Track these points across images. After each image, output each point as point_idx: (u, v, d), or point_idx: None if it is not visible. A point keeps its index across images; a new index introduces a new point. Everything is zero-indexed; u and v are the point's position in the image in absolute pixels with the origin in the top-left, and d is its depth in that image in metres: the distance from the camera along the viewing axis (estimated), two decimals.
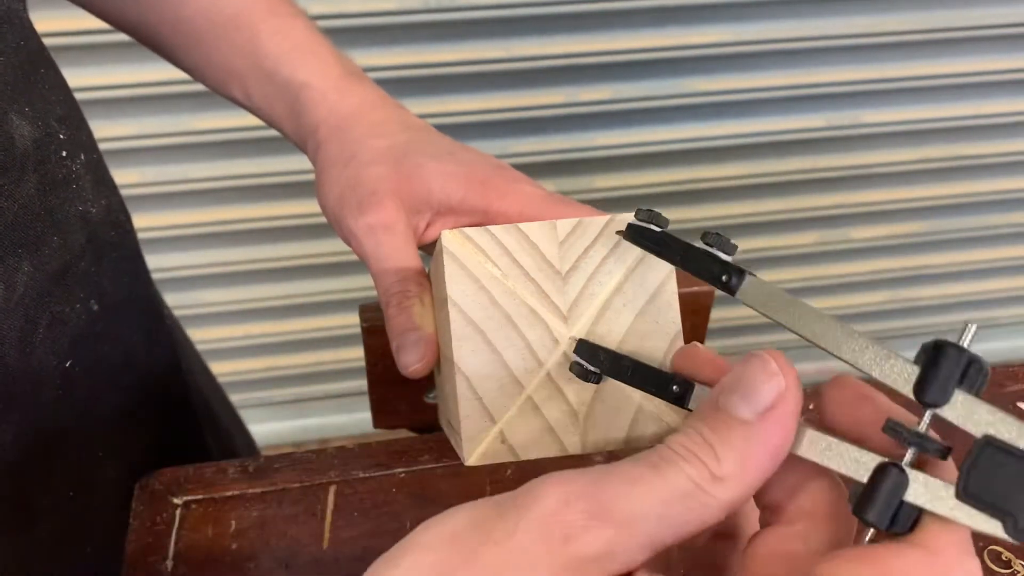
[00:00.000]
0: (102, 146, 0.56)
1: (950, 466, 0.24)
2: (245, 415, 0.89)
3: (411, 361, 0.38)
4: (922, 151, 1.48)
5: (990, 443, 0.22)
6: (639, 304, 0.34)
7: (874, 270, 1.61)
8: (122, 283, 0.56)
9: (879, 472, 0.23)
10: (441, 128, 0.47)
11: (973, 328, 0.24)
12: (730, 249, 0.30)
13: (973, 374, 0.23)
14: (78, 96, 0.53)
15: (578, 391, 0.34)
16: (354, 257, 0.43)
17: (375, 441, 0.58)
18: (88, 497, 0.55)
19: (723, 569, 0.29)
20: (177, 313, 0.73)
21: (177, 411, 0.67)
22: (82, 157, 0.50)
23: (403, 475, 0.55)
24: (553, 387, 0.33)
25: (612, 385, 0.33)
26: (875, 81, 1.38)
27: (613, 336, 0.34)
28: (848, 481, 0.25)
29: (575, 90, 1.32)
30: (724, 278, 0.29)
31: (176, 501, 0.54)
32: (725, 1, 1.28)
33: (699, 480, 0.22)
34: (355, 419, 1.61)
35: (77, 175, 0.50)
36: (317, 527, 0.52)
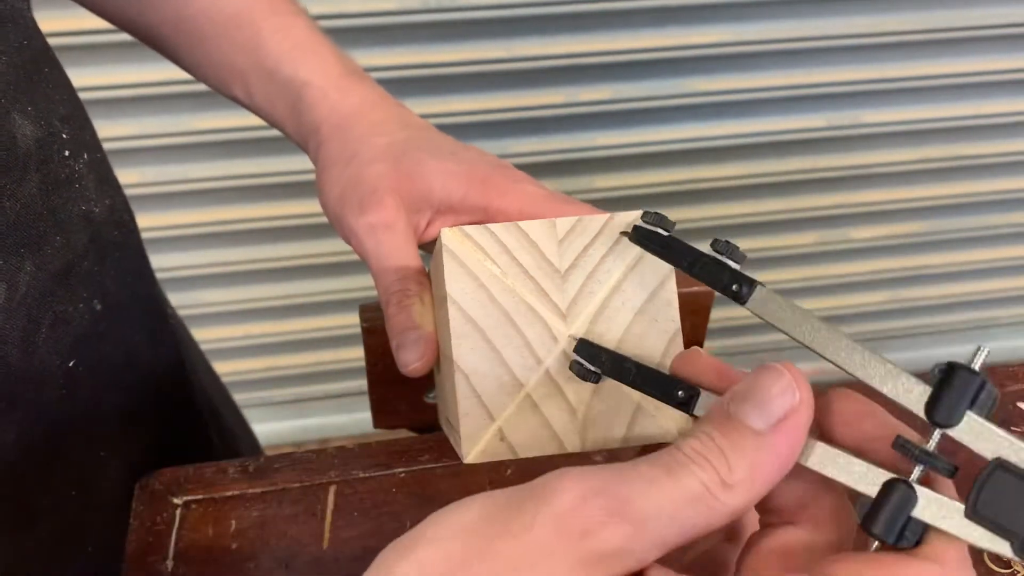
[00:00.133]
0: (103, 146, 0.56)
1: (950, 484, 0.25)
2: (245, 415, 0.89)
3: (411, 360, 0.38)
4: (922, 151, 1.48)
5: (1001, 465, 0.23)
6: (638, 303, 0.34)
7: (874, 270, 1.61)
8: (125, 283, 0.56)
9: (888, 487, 0.24)
10: (441, 128, 0.47)
11: (985, 351, 0.25)
12: (739, 257, 0.30)
13: (984, 398, 0.24)
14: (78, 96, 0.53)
15: (577, 390, 0.34)
16: (354, 257, 0.43)
17: (375, 441, 0.58)
18: (89, 497, 0.55)
19: (723, 567, 0.29)
20: (177, 313, 0.73)
21: (180, 411, 0.67)
22: (85, 157, 0.50)
23: (403, 475, 0.55)
24: (552, 385, 0.34)
25: (611, 384, 0.33)
26: (875, 81, 1.38)
27: (612, 334, 0.34)
28: (852, 494, 0.25)
29: (575, 90, 1.32)
30: (735, 287, 0.29)
31: (176, 501, 0.54)
32: (725, 1, 1.28)
33: (710, 485, 0.23)
34: (355, 419, 1.61)
35: (80, 175, 0.50)
36: (317, 527, 0.52)
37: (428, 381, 0.47)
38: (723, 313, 1.57)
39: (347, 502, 0.53)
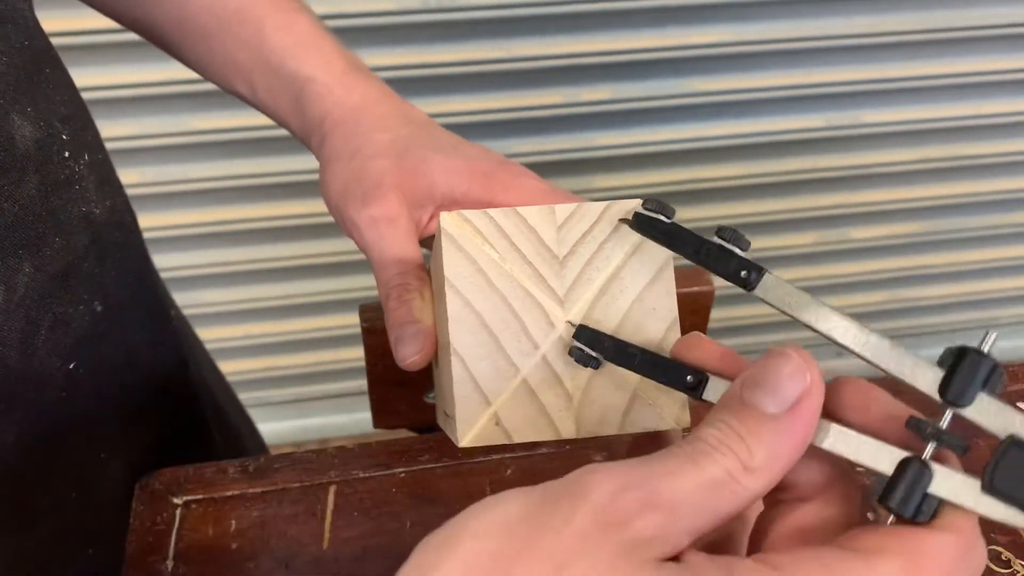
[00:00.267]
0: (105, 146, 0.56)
1: (958, 463, 0.25)
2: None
3: (409, 353, 0.38)
4: (922, 151, 1.48)
5: (1016, 443, 0.24)
6: (636, 290, 0.34)
7: (874, 270, 1.61)
8: (127, 284, 0.56)
9: (904, 465, 0.25)
10: None
11: (994, 335, 0.26)
12: (744, 245, 0.30)
13: (995, 379, 0.25)
14: None
15: (574, 375, 0.34)
16: (354, 257, 0.43)
17: (375, 441, 0.58)
18: (89, 497, 0.55)
19: (731, 540, 0.29)
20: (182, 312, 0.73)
21: (182, 411, 0.67)
22: (86, 157, 0.50)
23: (403, 475, 0.55)
24: (548, 371, 0.34)
25: (608, 370, 0.33)
26: (875, 81, 1.38)
27: (609, 321, 0.34)
28: (865, 473, 0.26)
29: (575, 90, 1.32)
30: (743, 274, 0.30)
31: (176, 501, 0.54)
32: (725, 1, 1.28)
33: (733, 471, 0.24)
34: (355, 419, 1.61)
35: (80, 176, 0.50)
36: (317, 527, 0.52)
37: (428, 381, 0.47)
38: (723, 313, 1.57)
39: (347, 502, 0.53)
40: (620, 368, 0.33)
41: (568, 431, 0.34)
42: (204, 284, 1.42)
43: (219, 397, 0.74)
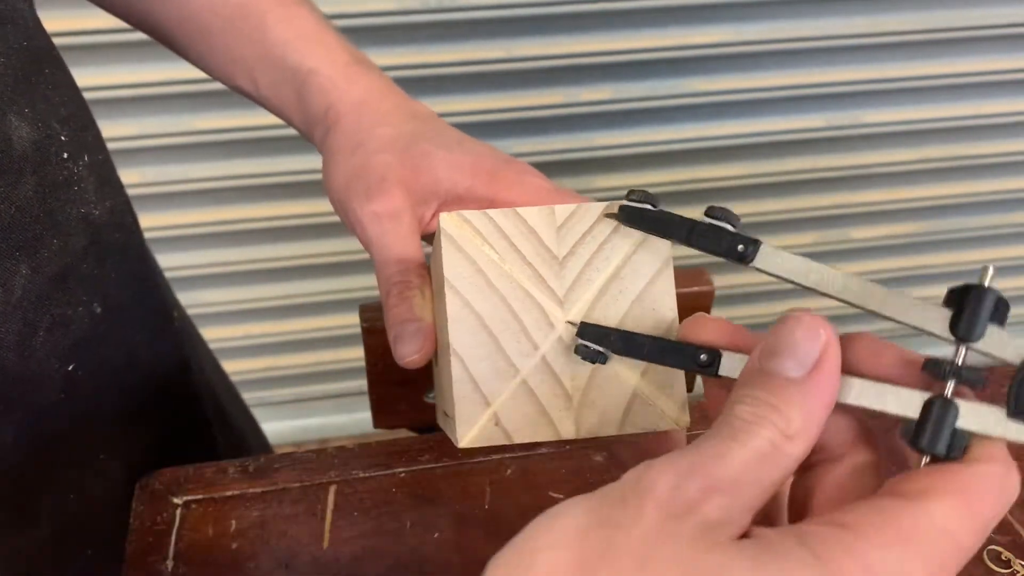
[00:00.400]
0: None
1: (974, 397, 0.26)
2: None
3: (409, 352, 0.38)
4: (922, 151, 1.48)
5: None
6: (636, 290, 0.34)
7: (874, 270, 1.61)
8: (127, 285, 0.56)
9: (930, 405, 0.26)
10: None
11: (992, 269, 0.26)
12: (735, 220, 0.31)
13: (1002, 310, 0.26)
14: None
15: (573, 375, 0.34)
16: (354, 257, 0.43)
17: (375, 441, 0.58)
18: (89, 498, 0.55)
19: (773, 514, 0.30)
20: (186, 312, 0.73)
21: (183, 411, 0.67)
22: (86, 158, 0.50)
23: (403, 475, 0.55)
24: (548, 371, 0.34)
25: (608, 370, 0.33)
26: (875, 81, 1.38)
27: (609, 322, 0.34)
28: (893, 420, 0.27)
29: (575, 90, 1.32)
30: (740, 248, 0.30)
31: (176, 501, 0.54)
32: (725, 1, 1.28)
33: (775, 441, 0.24)
34: (355, 419, 1.61)
35: (79, 177, 0.49)
36: (317, 527, 0.52)
37: (428, 381, 0.47)
38: (723, 313, 1.57)
39: (347, 502, 0.53)
40: (620, 369, 0.33)
41: (568, 431, 0.34)
42: (204, 284, 1.42)
43: (222, 398, 0.74)
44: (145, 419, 0.60)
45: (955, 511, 0.23)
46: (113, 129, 1.22)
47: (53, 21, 0.51)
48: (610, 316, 0.34)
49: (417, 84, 1.27)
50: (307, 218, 1.37)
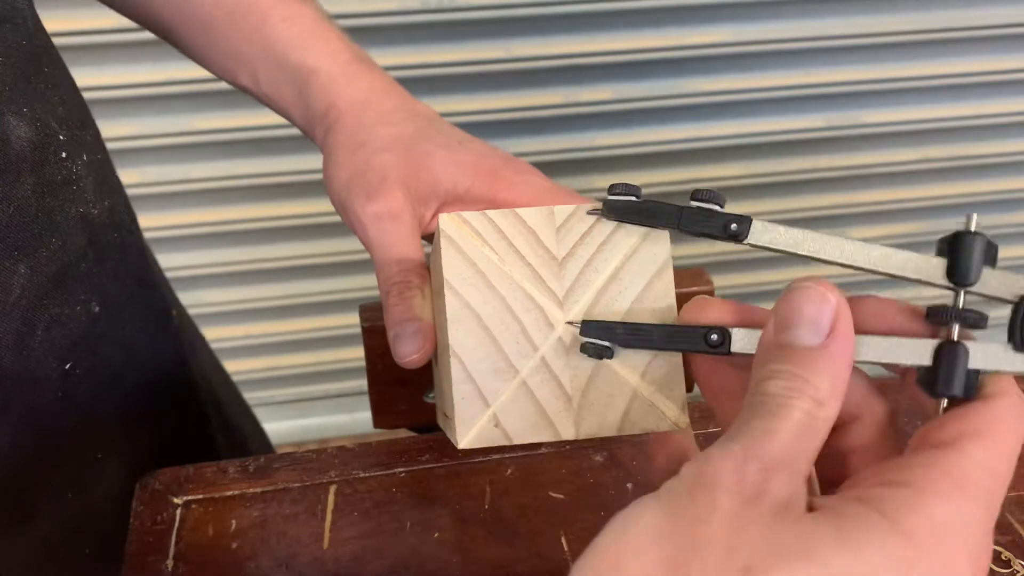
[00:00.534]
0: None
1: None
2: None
3: (408, 351, 0.38)
4: (922, 151, 1.48)
5: None
6: (636, 291, 0.34)
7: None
8: (125, 284, 0.56)
9: (940, 350, 0.27)
10: None
11: (975, 215, 0.28)
12: (722, 201, 0.31)
13: (992, 253, 0.28)
14: None
15: (573, 376, 0.34)
16: (354, 257, 0.43)
17: (375, 441, 0.58)
18: (87, 497, 0.55)
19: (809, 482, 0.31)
20: (187, 312, 0.73)
21: (182, 410, 0.67)
22: (84, 158, 0.50)
23: (403, 475, 0.55)
24: (547, 372, 0.34)
25: (607, 371, 0.33)
26: (875, 81, 1.38)
27: None
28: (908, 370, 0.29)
29: (575, 90, 1.32)
30: (733, 227, 0.30)
31: (176, 501, 0.54)
32: (725, 1, 1.28)
33: (811, 411, 0.25)
34: (355, 419, 1.61)
35: (78, 176, 0.49)
36: (317, 527, 0.52)
37: (428, 381, 0.47)
38: None
39: (347, 502, 0.53)
40: (619, 370, 0.33)
41: (567, 433, 0.34)
42: (204, 284, 1.42)
43: (221, 397, 0.74)
44: (143, 418, 0.60)
45: (990, 448, 0.25)
46: (113, 129, 1.22)
47: (53, 21, 0.51)
48: (610, 317, 0.34)
49: (417, 84, 1.26)
50: (307, 218, 1.37)
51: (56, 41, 0.51)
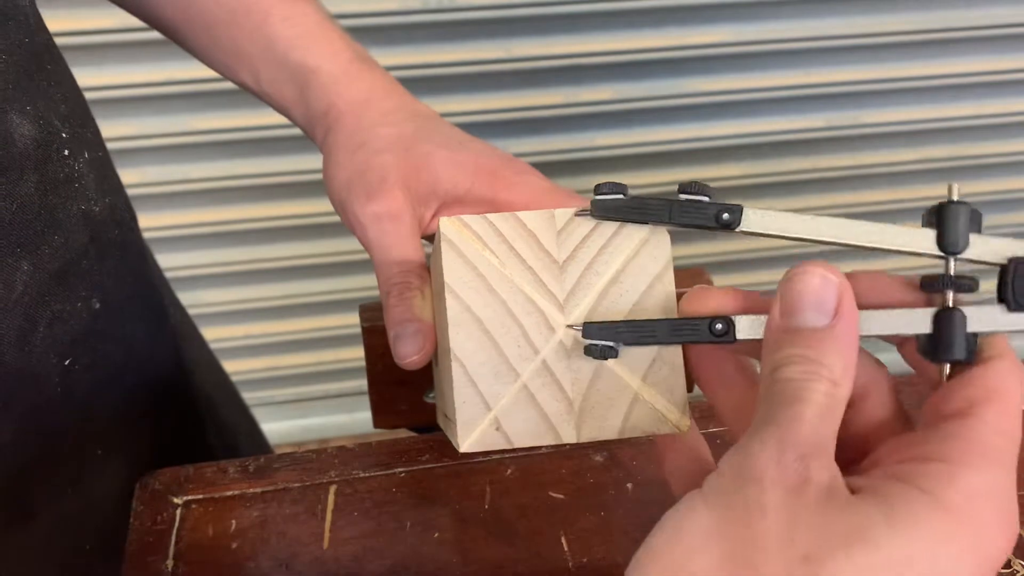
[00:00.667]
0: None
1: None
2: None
3: (408, 352, 0.38)
4: (922, 151, 1.48)
5: (1021, 261, 0.28)
6: (636, 294, 0.34)
7: (874, 269, 1.61)
8: (125, 282, 0.56)
9: (941, 317, 0.28)
10: None
11: (956, 185, 0.29)
12: (710, 192, 0.31)
13: (977, 220, 0.28)
14: None
15: (574, 380, 0.34)
16: (354, 257, 0.43)
17: (375, 441, 0.58)
18: (87, 495, 0.55)
19: None
20: (187, 312, 0.73)
21: (181, 410, 0.67)
22: (86, 155, 0.50)
23: (403, 475, 0.55)
24: (548, 375, 0.34)
25: (608, 374, 0.33)
26: (875, 81, 1.38)
27: None
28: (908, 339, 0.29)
29: (575, 90, 1.32)
30: (725, 217, 0.30)
31: (176, 501, 0.54)
32: (725, 1, 1.28)
33: (829, 392, 0.25)
34: (355, 419, 1.61)
35: (80, 174, 0.50)
36: (317, 527, 0.52)
37: (428, 381, 0.47)
38: None
39: (347, 502, 0.53)
40: (620, 372, 0.33)
41: (569, 436, 0.34)
42: (204, 284, 1.42)
43: (215, 397, 0.74)
44: (143, 416, 0.60)
45: (1000, 411, 0.25)
46: (113, 129, 1.22)
47: (53, 21, 0.51)
48: (611, 319, 0.34)
49: (417, 84, 1.26)
50: (307, 218, 1.36)
51: (57, 41, 0.51)
